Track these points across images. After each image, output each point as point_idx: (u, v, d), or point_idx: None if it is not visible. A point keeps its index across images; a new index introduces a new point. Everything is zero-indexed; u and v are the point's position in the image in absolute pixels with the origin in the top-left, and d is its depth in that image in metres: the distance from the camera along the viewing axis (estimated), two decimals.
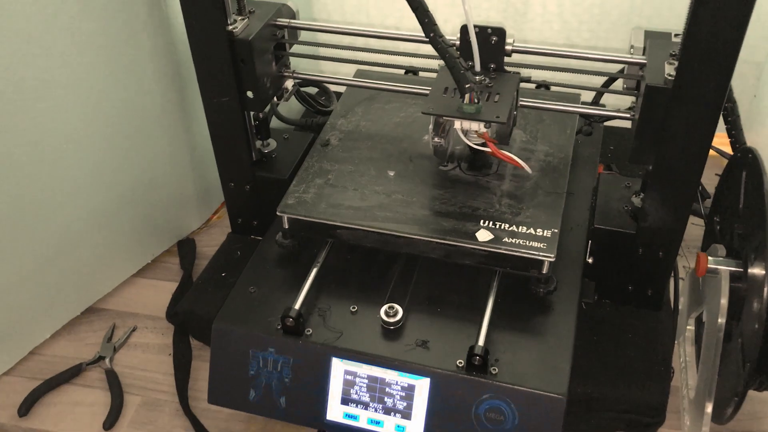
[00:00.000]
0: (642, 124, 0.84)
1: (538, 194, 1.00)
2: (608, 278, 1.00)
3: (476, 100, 0.92)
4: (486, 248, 0.94)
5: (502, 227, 0.95)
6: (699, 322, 1.02)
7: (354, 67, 1.12)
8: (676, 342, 1.02)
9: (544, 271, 0.94)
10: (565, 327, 0.92)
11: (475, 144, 0.98)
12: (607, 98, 1.24)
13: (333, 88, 1.38)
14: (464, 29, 0.93)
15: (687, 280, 1.07)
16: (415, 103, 1.17)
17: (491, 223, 0.96)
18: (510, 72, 0.98)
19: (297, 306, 0.86)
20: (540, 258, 0.92)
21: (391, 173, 1.04)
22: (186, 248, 1.22)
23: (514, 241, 0.93)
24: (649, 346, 0.97)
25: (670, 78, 0.81)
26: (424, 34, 0.88)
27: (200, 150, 1.19)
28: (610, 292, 1.01)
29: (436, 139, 0.99)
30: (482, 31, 0.89)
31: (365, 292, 0.97)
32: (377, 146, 1.09)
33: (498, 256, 0.94)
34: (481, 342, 0.83)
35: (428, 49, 0.90)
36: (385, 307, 0.88)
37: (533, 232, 0.94)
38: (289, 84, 1.08)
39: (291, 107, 1.36)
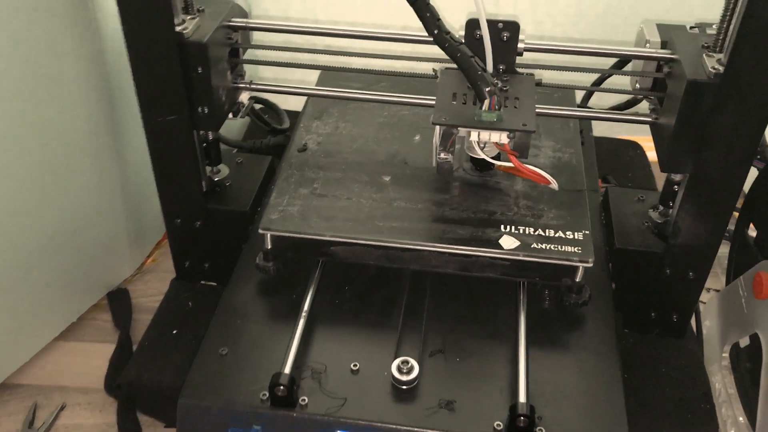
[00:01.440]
0: (680, 126, 0.75)
1: (558, 193, 0.88)
2: (629, 305, 0.89)
3: (497, 107, 0.79)
4: (513, 257, 0.81)
5: (527, 232, 0.82)
6: (737, 350, 0.92)
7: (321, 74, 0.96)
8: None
9: (578, 278, 0.82)
10: (610, 364, 0.79)
11: (491, 158, 0.85)
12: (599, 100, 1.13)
13: (294, 101, 1.21)
14: (472, 24, 0.80)
15: (717, 303, 0.97)
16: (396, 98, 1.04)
17: (512, 228, 0.83)
18: (523, 73, 0.85)
19: (287, 369, 0.69)
20: (576, 264, 0.80)
21: (387, 178, 0.90)
22: (118, 301, 1.00)
23: (544, 246, 0.81)
24: (687, 380, 0.86)
25: (715, 71, 0.70)
26: (426, 33, 0.75)
27: (133, 181, 0.98)
28: (631, 320, 0.91)
29: (442, 155, 0.85)
30: (492, 25, 0.76)
31: (369, 338, 0.77)
32: (364, 149, 0.95)
33: (527, 266, 0.82)
34: (523, 397, 0.69)
35: (411, 49, 0.76)
36: (397, 362, 0.72)
37: (563, 235, 0.82)
38: (244, 97, 0.92)
39: (228, 128, 1.19)
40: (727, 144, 0.75)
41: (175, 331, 0.84)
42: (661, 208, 0.93)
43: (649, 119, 0.86)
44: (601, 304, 0.85)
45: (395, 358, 0.73)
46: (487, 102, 0.77)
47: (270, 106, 1.18)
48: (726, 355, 0.94)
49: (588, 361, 0.79)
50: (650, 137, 0.87)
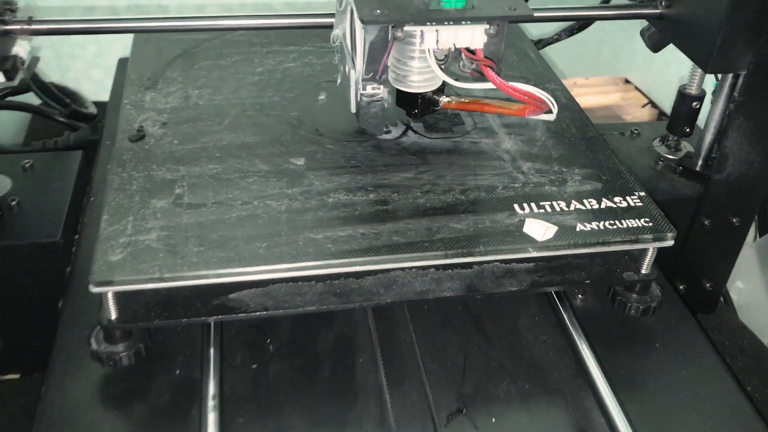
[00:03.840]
0: (733, 14, 0.54)
1: (568, 144, 0.56)
2: None
3: None
4: (553, 253, 0.48)
5: (558, 208, 0.50)
6: None
7: None
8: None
9: (645, 268, 0.50)
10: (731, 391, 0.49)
11: (456, 82, 0.51)
12: None
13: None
14: None
15: (755, 257, 0.71)
16: (272, 51, 0.67)
17: (532, 206, 0.50)
18: None
19: None
20: (647, 245, 0.49)
21: (300, 161, 0.53)
22: None
23: (596, 226, 0.48)
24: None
25: None
26: None
27: None
28: None
29: (369, 89, 0.51)
30: None
31: (340, 425, 0.46)
32: (243, 123, 0.57)
33: (571, 264, 0.49)
34: None
35: None
36: None
37: (611, 203, 0.51)
38: (22, 49, 0.53)
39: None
40: None
41: None
42: (670, 138, 0.68)
43: (658, 11, 0.59)
44: (669, 301, 0.54)
45: None
46: None
47: (65, 94, 0.76)
48: None
49: (702, 397, 0.48)
50: None
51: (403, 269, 0.48)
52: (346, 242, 0.46)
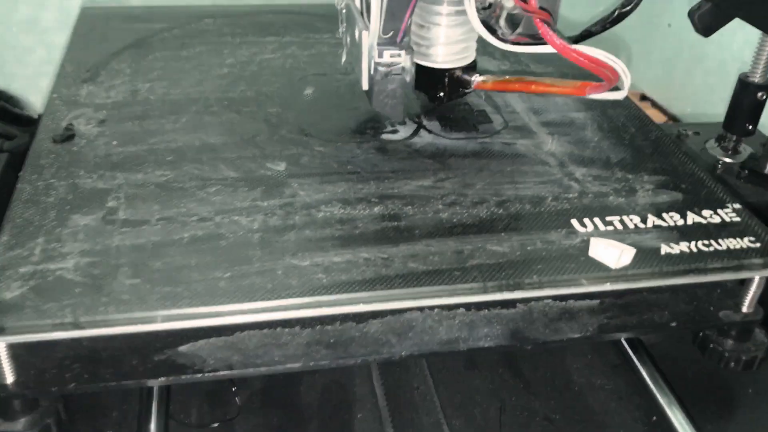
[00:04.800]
0: None
1: (629, 145, 0.44)
2: None
3: None
4: (634, 283, 0.34)
5: (629, 224, 0.37)
6: None
7: None
8: None
9: (748, 306, 0.37)
10: None
11: (501, 41, 0.39)
12: None
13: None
14: None
15: None
16: (246, 41, 0.54)
17: (592, 221, 0.37)
18: None
19: None
20: (756, 271, 0.36)
21: (280, 166, 0.40)
22: None
23: (686, 247, 0.35)
24: None
25: None
26: None
27: None
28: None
29: (388, 56, 0.38)
30: None
31: None
32: (208, 121, 0.44)
33: (650, 299, 0.36)
34: None
35: None
36: None
37: (700, 218, 0.37)
38: None
39: None
40: None
41: None
42: (728, 138, 0.55)
43: None
44: None
45: None
46: None
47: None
48: None
49: None
50: None
51: (422, 309, 0.35)
52: (343, 271, 0.33)
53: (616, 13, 0.66)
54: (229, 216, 0.36)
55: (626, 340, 0.39)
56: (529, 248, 0.35)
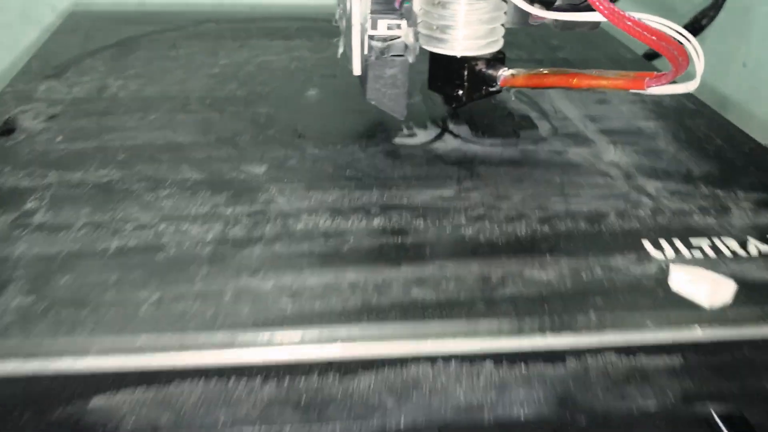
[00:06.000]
0: None
1: (715, 157, 0.34)
2: None
3: None
4: (734, 329, 0.24)
5: (727, 248, 0.26)
6: None
7: None
8: None
9: None
10: None
11: (540, 9, 0.30)
12: None
13: None
14: None
15: None
16: (247, 44, 0.46)
17: (671, 244, 0.26)
18: None
19: None
20: None
21: (259, 168, 0.31)
22: None
23: None
24: None
25: None
26: None
27: None
28: None
29: (384, 28, 0.29)
30: None
31: None
32: (181, 119, 0.35)
33: (750, 357, 0.25)
34: None
35: None
36: None
37: None
38: None
39: None
40: None
41: None
42: None
43: None
44: None
45: None
46: None
47: None
48: None
49: None
50: None
51: (432, 359, 0.25)
52: (320, 298, 0.23)
53: (697, 22, 0.56)
54: (177, 224, 0.27)
55: (721, 415, 0.28)
56: (584, 276, 0.25)
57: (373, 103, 0.31)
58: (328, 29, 0.49)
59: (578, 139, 0.35)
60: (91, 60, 0.43)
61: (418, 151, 0.33)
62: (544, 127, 0.36)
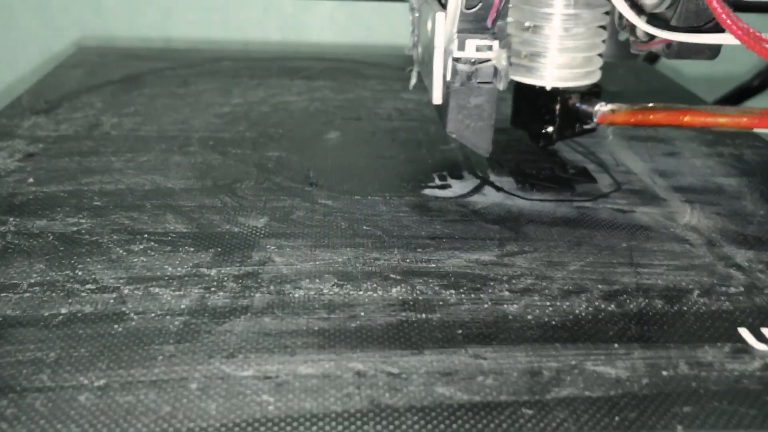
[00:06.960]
0: None
1: None
2: None
3: None
4: None
5: None
6: None
7: None
8: None
9: None
10: None
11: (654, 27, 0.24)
12: None
13: None
14: None
15: None
16: (265, 83, 0.42)
17: None
18: None
19: None
20: None
21: (258, 221, 0.26)
22: None
23: None
24: None
25: None
26: None
27: None
28: None
29: (473, 49, 0.26)
30: None
31: None
32: (177, 161, 0.31)
33: None
34: None
35: None
36: None
37: None
38: None
39: None
40: None
41: None
42: None
43: None
44: None
45: None
46: None
47: None
48: None
49: None
50: None
51: None
52: (313, 393, 0.18)
53: None
54: (146, 287, 0.21)
55: None
56: (664, 374, 0.19)
57: (453, 136, 0.26)
58: (355, 70, 0.45)
59: (646, 196, 0.29)
60: (88, 96, 0.38)
61: (452, 205, 0.27)
62: (604, 181, 0.30)
